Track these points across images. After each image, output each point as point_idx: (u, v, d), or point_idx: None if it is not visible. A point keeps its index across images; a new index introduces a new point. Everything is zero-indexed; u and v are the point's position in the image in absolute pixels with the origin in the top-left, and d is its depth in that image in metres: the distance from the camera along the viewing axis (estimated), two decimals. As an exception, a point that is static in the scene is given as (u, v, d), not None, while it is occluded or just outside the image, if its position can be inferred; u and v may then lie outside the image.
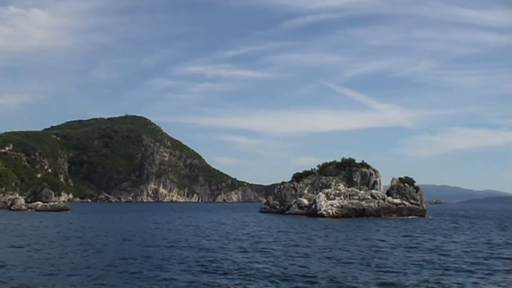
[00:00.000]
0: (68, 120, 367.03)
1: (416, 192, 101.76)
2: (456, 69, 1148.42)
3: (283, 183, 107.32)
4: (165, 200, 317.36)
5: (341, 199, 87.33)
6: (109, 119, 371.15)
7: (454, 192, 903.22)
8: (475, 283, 21.24)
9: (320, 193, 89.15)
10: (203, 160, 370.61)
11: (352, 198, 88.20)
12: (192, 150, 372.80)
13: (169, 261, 26.66)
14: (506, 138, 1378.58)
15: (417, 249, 33.95)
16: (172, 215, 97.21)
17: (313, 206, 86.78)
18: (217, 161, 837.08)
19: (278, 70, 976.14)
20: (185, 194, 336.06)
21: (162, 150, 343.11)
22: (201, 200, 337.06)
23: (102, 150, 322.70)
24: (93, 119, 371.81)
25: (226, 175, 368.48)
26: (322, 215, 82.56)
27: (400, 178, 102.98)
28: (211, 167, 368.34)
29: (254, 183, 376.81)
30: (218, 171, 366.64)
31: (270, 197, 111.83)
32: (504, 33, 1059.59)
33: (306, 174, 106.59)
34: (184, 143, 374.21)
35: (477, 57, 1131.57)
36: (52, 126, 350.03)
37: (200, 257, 28.45)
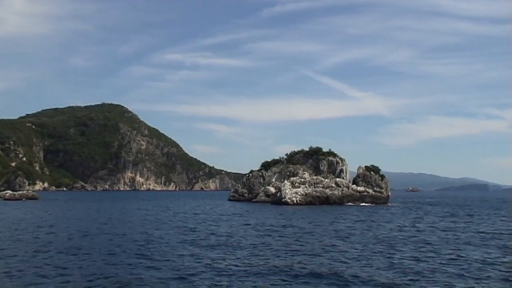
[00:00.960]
0: (44, 108, 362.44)
1: (381, 180, 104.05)
2: (434, 58, 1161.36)
3: (251, 171, 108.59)
4: (142, 188, 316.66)
5: (306, 187, 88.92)
6: (85, 107, 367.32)
7: (432, 180, 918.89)
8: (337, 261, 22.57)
9: (285, 181, 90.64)
10: (181, 148, 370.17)
11: (317, 186, 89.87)
12: (170, 139, 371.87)
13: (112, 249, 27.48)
14: (483, 127, 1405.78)
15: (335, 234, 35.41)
16: (130, 204, 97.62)
17: (278, 194, 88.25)
18: (196, 149, 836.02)
19: (257, 58, 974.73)
20: (162, 182, 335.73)
21: (139, 139, 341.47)
22: (179, 189, 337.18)
23: (78, 138, 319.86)
24: (69, 107, 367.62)
25: (204, 164, 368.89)
26: (286, 203, 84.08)
27: (366, 167, 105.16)
28: (188, 155, 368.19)
29: (233, 171, 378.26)
30: (196, 159, 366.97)
31: (239, 185, 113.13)
32: (481, 23, 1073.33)
33: (274, 162, 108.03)
34: (161, 131, 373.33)
35: (455, 46, 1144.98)
36: (27, 114, 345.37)
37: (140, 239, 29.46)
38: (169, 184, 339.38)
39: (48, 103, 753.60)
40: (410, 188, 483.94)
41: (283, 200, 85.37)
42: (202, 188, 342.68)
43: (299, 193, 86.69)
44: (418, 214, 63.23)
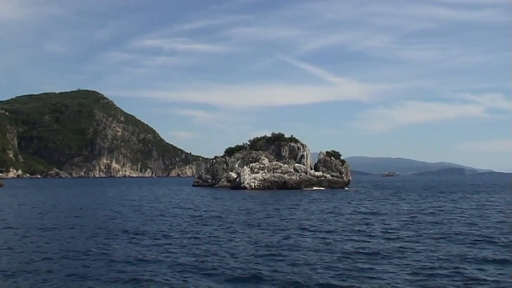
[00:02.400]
0: (18, 95, 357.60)
1: (342, 165, 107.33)
2: (410, 43, 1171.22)
3: (215, 157, 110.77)
4: (118, 175, 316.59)
5: (265, 172, 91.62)
6: (60, 93, 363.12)
7: (409, 165, 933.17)
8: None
9: (245, 167, 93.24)
10: (157, 134, 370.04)
11: (275, 172, 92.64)
12: (146, 125, 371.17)
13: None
14: (459, 112, 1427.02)
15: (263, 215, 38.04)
16: (90, 190, 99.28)
17: (238, 180, 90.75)
18: (174, 135, 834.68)
19: (235, 44, 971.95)
20: (138, 169, 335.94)
21: (115, 125, 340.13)
22: (155, 175, 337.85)
23: (53, 125, 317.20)
24: (44, 93, 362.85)
25: (180, 150, 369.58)
26: (245, 188, 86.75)
27: (327, 152, 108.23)
28: (165, 141, 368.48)
29: (211, 157, 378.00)
30: (172, 145, 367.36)
31: (203, 171, 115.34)
32: (456, 9, 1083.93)
33: (238, 148, 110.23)
34: (138, 117, 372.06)
35: (431, 32, 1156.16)
36: (1, 101, 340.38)
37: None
38: (145, 170, 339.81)
39: (22, 89, 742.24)
40: (386, 173, 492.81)
41: (241, 185, 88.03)
42: (178, 175, 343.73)
43: (258, 178, 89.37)
44: (359, 198, 66.17)
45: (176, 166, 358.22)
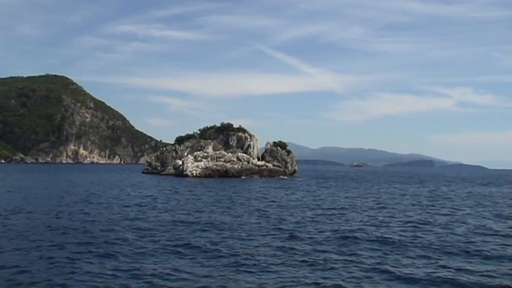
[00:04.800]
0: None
1: (288, 155, 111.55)
2: (384, 36, 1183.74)
3: (165, 145, 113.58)
4: (86, 161, 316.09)
5: (208, 161, 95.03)
6: (28, 78, 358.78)
7: (381, 156, 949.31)
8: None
9: (188, 155, 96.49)
10: (127, 121, 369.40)
11: (219, 160, 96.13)
12: (116, 111, 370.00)
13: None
14: (430, 105, 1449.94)
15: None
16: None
17: (181, 168, 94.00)
18: (147, 123, 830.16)
19: (211, 31, 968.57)
20: (107, 155, 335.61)
21: (83, 111, 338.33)
22: (123, 162, 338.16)
23: (20, 110, 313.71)
24: (11, 77, 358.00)
25: (150, 137, 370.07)
26: (187, 175, 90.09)
27: (274, 142, 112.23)
28: (134, 128, 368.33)
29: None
30: (142, 132, 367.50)
31: (153, 158, 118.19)
32: (429, 2, 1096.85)
33: (188, 137, 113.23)
34: (108, 104, 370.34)
35: (405, 25, 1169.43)
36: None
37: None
38: (114, 157, 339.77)
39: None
40: (355, 164, 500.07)
41: (184, 172, 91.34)
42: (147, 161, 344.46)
43: (200, 166, 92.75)
44: (288, 187, 70.15)
45: (145, 153, 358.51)
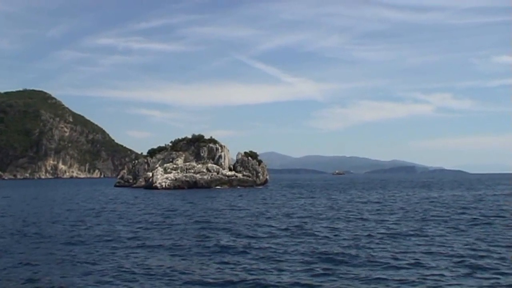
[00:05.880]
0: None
1: (259, 165, 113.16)
2: (363, 44, 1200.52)
3: (136, 157, 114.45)
4: (65, 176, 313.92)
5: (177, 172, 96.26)
6: (5, 93, 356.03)
7: (363, 163, 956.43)
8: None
9: (158, 167, 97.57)
10: (107, 134, 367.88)
11: (188, 172, 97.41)
12: (96, 125, 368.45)
13: None
14: (410, 111, 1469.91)
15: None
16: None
17: (150, 180, 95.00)
18: (129, 135, 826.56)
19: (191, 43, 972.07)
20: (86, 169, 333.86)
21: (62, 125, 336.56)
22: (104, 176, 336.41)
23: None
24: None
25: (130, 150, 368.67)
26: (156, 188, 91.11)
27: (245, 152, 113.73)
28: (114, 141, 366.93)
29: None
30: (122, 145, 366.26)
31: (125, 171, 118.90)
32: (405, 10, 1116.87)
33: (160, 149, 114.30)
34: (87, 117, 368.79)
35: (382, 33, 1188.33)
36: None
37: None
38: (94, 171, 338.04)
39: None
40: (337, 171, 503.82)
41: (154, 185, 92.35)
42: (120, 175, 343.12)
43: (170, 178, 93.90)
44: (235, 195, 71.62)
45: (125, 166, 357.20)
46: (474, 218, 34.66)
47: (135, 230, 29.85)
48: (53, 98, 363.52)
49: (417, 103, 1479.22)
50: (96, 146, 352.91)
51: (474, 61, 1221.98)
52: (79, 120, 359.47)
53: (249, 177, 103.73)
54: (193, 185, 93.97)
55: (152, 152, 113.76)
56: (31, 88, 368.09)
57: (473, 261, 18.86)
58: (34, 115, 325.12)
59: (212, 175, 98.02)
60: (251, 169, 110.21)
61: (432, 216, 36.84)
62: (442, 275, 16.62)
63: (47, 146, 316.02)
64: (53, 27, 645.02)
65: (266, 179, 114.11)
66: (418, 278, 16.19)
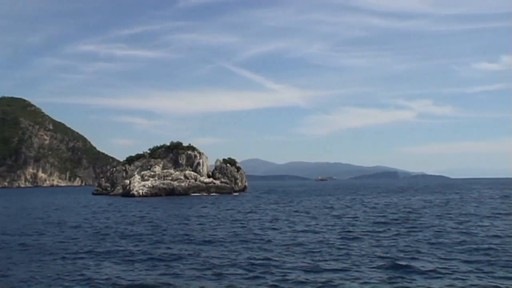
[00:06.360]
0: None
1: (237, 171, 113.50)
2: (346, 51, 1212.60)
3: (115, 166, 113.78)
4: (45, 184, 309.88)
5: (155, 180, 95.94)
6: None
7: (347, 169, 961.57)
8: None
9: (136, 175, 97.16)
10: (88, 142, 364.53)
11: (166, 179, 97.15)
12: (76, 133, 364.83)
13: None
14: (393, 117, 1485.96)
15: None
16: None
17: (128, 187, 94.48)
18: (113, 143, 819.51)
19: (175, 50, 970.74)
20: (67, 178, 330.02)
21: (42, 133, 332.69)
22: (85, 184, 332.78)
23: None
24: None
25: (112, 158, 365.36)
26: (133, 195, 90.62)
27: (223, 159, 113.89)
28: (96, 149, 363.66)
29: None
30: (104, 153, 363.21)
31: (103, 179, 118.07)
32: (388, 18, 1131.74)
33: (138, 157, 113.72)
34: (68, 125, 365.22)
35: (366, 40, 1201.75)
36: None
37: None
38: (75, 179, 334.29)
39: None
40: (320, 177, 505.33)
41: (131, 192, 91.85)
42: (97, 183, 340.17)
43: (147, 185, 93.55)
44: (206, 202, 71.75)
45: (104, 174, 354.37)
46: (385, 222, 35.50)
47: (73, 237, 30.05)
48: (33, 105, 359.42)
49: (399, 109, 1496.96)
50: (77, 154, 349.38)
51: (455, 67, 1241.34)
52: (60, 128, 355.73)
53: (227, 183, 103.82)
54: (171, 192, 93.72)
55: (130, 160, 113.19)
56: (10, 96, 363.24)
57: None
58: (13, 123, 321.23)
59: (189, 182, 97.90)
60: (229, 176, 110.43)
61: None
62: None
63: (26, 154, 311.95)
64: (33, 34, 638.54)
65: (245, 185, 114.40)
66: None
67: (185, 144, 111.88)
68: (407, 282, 16.43)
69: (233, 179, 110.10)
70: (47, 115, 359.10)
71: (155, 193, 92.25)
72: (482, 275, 17.26)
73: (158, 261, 21.20)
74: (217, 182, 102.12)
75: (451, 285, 15.89)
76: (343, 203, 63.80)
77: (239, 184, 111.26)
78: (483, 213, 42.72)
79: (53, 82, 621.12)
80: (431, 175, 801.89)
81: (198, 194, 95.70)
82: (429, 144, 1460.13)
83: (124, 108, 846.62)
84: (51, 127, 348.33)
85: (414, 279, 16.77)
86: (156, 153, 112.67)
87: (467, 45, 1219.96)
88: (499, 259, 20.12)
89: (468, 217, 38.99)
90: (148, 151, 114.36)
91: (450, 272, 17.76)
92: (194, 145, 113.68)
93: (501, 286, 15.72)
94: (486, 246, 23.46)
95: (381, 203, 63.16)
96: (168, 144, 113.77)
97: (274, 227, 34.12)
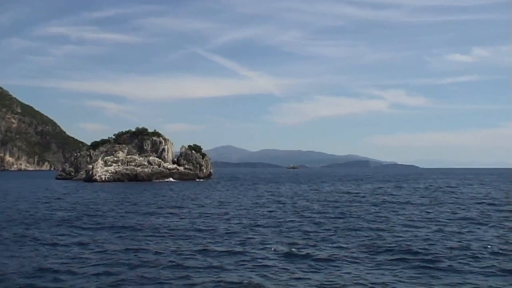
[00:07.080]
0: None
1: (202, 158, 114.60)
2: (320, 39, 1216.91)
3: (79, 151, 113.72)
4: (13, 168, 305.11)
5: (118, 165, 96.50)
6: None
7: (319, 157, 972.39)
8: None
9: (99, 160, 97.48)
10: (57, 126, 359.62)
11: (129, 165, 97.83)
12: (46, 116, 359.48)
13: None
14: (366, 106, 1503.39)
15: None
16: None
17: (90, 172, 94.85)
18: (83, 128, 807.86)
19: (147, 34, 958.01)
20: (35, 162, 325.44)
21: (9, 116, 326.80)
22: (54, 168, 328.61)
23: None
24: None
25: (82, 142, 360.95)
26: (96, 180, 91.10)
27: (189, 146, 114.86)
28: (65, 134, 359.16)
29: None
30: (73, 138, 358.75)
31: (67, 164, 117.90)
32: (362, 7, 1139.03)
33: (103, 142, 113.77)
34: (37, 109, 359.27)
35: (340, 29, 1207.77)
36: None
37: None
38: (43, 164, 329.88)
39: None
40: (291, 165, 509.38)
41: (93, 177, 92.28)
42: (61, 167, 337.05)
43: (110, 171, 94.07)
44: (170, 188, 73.14)
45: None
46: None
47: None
48: (0, 87, 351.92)
49: (372, 99, 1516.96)
50: (46, 138, 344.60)
51: (427, 59, 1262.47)
52: (28, 111, 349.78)
53: (191, 170, 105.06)
54: (134, 178, 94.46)
55: (95, 145, 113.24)
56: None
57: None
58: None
59: (153, 168, 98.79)
60: (194, 162, 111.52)
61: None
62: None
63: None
64: (1, 14, 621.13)
65: (210, 172, 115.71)
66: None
67: (155, 130, 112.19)
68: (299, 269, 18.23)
69: (198, 165, 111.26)
70: (15, 98, 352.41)
71: (117, 178, 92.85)
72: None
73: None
74: (181, 168, 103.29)
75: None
76: (287, 191, 65.94)
77: (204, 170, 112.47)
78: (401, 201, 45.74)
79: (21, 64, 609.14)
80: (402, 165, 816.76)
81: (162, 180, 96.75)
82: (401, 134, 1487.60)
83: (95, 92, 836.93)
84: (19, 110, 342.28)
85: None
86: (121, 138, 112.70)
87: (439, 37, 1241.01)
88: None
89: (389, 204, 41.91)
90: (113, 137, 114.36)
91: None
92: (166, 132, 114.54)
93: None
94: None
95: (329, 190, 65.60)
96: (133, 130, 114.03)
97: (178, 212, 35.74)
